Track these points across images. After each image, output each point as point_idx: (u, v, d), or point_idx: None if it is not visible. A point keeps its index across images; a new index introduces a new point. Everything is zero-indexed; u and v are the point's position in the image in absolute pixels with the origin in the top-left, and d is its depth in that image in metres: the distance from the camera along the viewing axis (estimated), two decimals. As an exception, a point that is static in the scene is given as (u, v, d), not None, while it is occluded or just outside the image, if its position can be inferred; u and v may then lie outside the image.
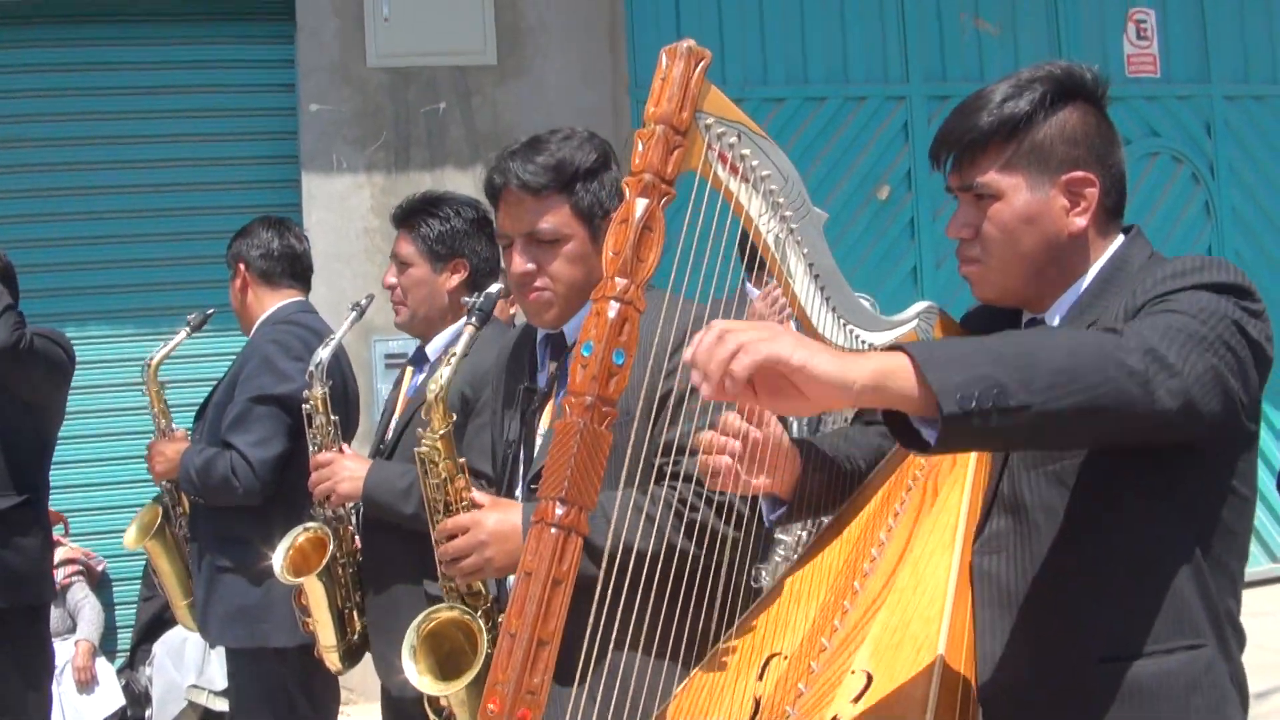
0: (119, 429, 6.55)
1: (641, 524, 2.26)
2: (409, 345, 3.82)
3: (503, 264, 2.70)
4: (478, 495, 2.61)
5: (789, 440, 2.10)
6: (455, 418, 2.82)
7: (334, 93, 6.61)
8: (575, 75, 6.84)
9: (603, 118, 6.72)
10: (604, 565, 2.06)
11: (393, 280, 3.39)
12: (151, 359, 4.06)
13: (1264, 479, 8.13)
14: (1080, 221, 1.90)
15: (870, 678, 1.74)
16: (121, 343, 6.62)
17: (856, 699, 1.70)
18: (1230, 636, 1.82)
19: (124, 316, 6.68)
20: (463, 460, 2.73)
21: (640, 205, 1.59)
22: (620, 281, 1.57)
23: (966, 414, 1.43)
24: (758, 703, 1.81)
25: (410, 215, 3.39)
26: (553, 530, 1.52)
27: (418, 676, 2.66)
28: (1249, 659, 1.91)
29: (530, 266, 2.50)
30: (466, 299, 2.82)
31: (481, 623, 2.68)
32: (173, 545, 4.05)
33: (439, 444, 2.70)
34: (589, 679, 1.94)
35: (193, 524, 3.96)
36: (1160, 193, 8.04)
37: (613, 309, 1.55)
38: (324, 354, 3.28)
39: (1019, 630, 1.86)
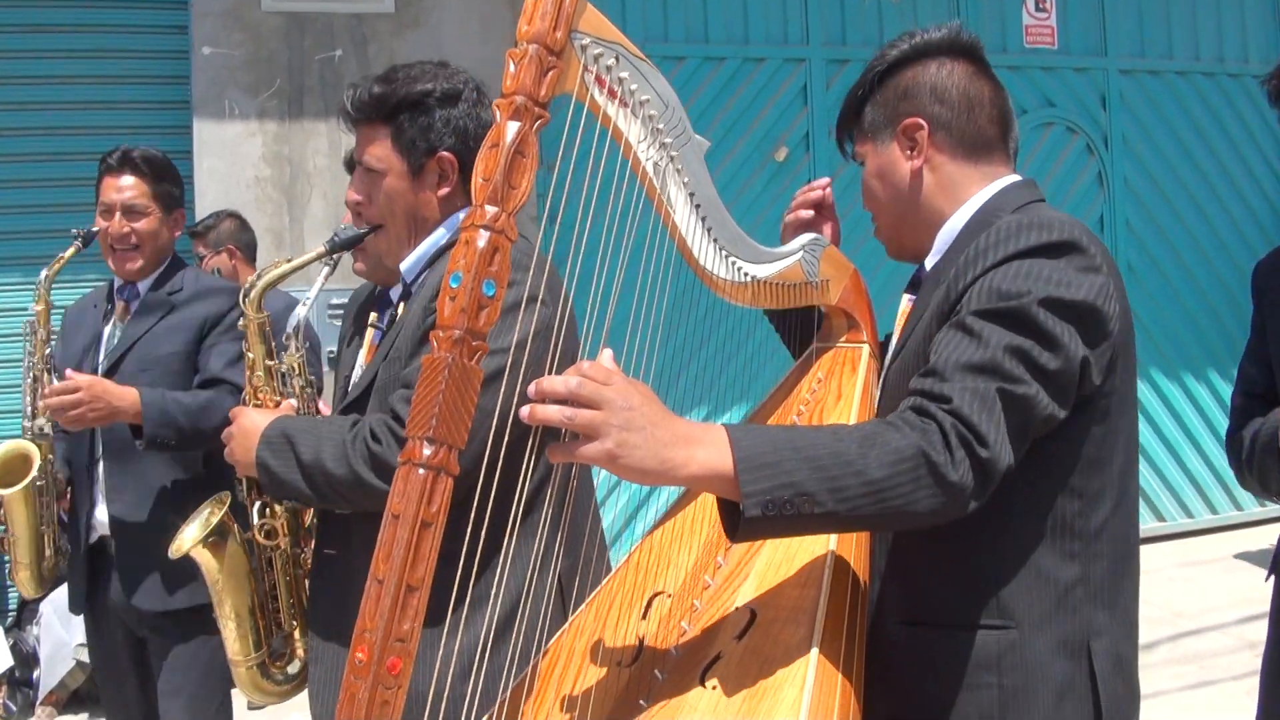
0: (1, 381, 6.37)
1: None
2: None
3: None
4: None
5: None
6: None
7: (227, 36, 6.46)
8: (472, 28, 6.76)
9: (499, 71, 6.59)
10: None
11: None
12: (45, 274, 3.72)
13: (1149, 439, 8.32)
14: (915, 162, 2.03)
15: (754, 614, 1.74)
16: (5, 291, 6.43)
17: (740, 635, 1.70)
18: (1078, 618, 1.83)
19: (8, 264, 6.47)
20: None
21: (511, 129, 1.50)
22: (490, 209, 1.46)
23: (768, 518, 1.54)
24: (641, 642, 1.80)
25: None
26: (420, 471, 1.42)
27: None
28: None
29: (359, 197, 2.54)
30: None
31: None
32: (35, 497, 3.63)
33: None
34: None
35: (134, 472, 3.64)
36: (1054, 162, 8.16)
37: (482, 238, 1.45)
38: (301, 313, 2.96)
39: (874, 587, 1.97)
